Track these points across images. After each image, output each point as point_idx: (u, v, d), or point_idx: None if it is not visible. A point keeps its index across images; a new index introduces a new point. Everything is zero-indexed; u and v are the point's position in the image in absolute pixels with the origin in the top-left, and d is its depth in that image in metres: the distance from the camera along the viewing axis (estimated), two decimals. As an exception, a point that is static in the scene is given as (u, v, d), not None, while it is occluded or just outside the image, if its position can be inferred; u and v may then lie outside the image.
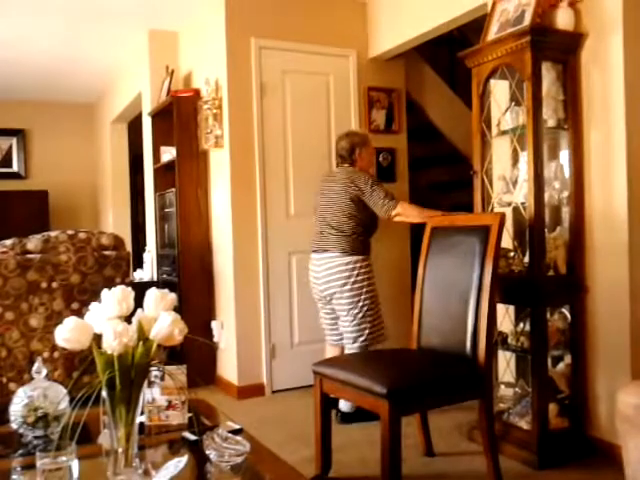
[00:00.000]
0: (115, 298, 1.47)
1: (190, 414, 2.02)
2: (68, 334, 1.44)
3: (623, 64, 2.74)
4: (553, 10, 2.89)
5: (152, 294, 1.52)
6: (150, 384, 1.99)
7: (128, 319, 1.52)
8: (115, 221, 6.93)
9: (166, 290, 1.54)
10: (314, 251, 3.56)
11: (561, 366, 2.99)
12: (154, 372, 1.93)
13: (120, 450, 1.48)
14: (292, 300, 4.28)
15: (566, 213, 2.98)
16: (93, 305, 1.51)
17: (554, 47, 2.87)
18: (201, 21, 4.56)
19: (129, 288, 1.53)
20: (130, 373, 1.44)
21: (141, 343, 1.46)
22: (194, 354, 4.33)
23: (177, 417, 2.00)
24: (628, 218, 2.74)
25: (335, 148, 3.69)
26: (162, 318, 1.46)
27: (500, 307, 3.00)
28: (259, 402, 4.04)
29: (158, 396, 2.00)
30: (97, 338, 1.47)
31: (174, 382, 1.83)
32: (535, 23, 2.80)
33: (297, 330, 4.29)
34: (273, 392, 4.19)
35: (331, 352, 3.62)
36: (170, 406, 2.01)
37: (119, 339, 1.39)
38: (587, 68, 2.89)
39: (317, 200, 3.64)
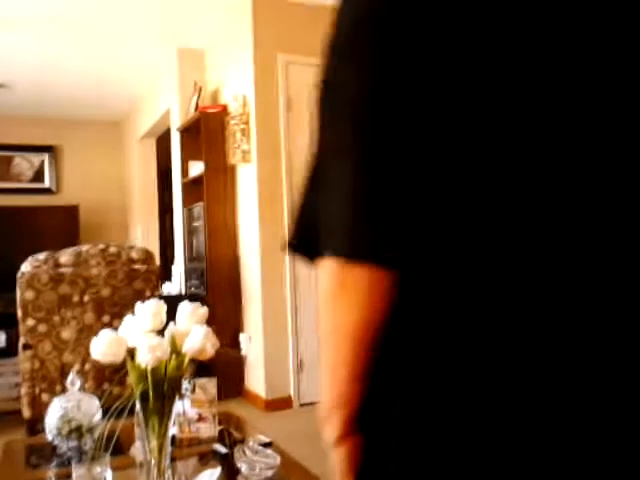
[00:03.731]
0: (149, 312, 1.50)
1: (220, 427, 2.03)
2: (104, 348, 1.47)
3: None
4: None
5: (185, 308, 1.54)
6: (181, 397, 2.01)
7: (160, 332, 1.54)
8: (143, 235, 7.03)
9: (198, 303, 1.56)
10: None
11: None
12: (185, 385, 1.95)
13: (153, 462, 1.50)
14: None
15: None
16: (127, 318, 1.54)
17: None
18: (228, 38, 4.63)
19: (161, 301, 1.55)
20: (163, 386, 1.47)
21: (174, 356, 1.48)
22: (222, 367, 4.36)
23: (207, 430, 2.02)
24: None
25: None
26: (195, 332, 1.48)
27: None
28: (287, 415, 4.05)
29: (188, 409, 2.02)
30: (130, 351, 1.50)
31: (205, 395, 1.84)
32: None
33: (324, 343, 4.29)
34: (301, 405, 4.19)
35: None
36: (200, 419, 2.02)
37: (153, 353, 1.42)
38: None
39: None
